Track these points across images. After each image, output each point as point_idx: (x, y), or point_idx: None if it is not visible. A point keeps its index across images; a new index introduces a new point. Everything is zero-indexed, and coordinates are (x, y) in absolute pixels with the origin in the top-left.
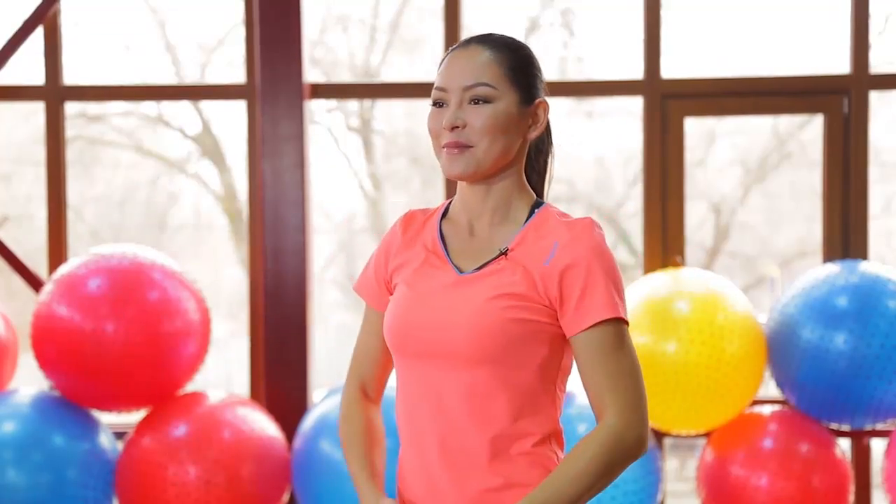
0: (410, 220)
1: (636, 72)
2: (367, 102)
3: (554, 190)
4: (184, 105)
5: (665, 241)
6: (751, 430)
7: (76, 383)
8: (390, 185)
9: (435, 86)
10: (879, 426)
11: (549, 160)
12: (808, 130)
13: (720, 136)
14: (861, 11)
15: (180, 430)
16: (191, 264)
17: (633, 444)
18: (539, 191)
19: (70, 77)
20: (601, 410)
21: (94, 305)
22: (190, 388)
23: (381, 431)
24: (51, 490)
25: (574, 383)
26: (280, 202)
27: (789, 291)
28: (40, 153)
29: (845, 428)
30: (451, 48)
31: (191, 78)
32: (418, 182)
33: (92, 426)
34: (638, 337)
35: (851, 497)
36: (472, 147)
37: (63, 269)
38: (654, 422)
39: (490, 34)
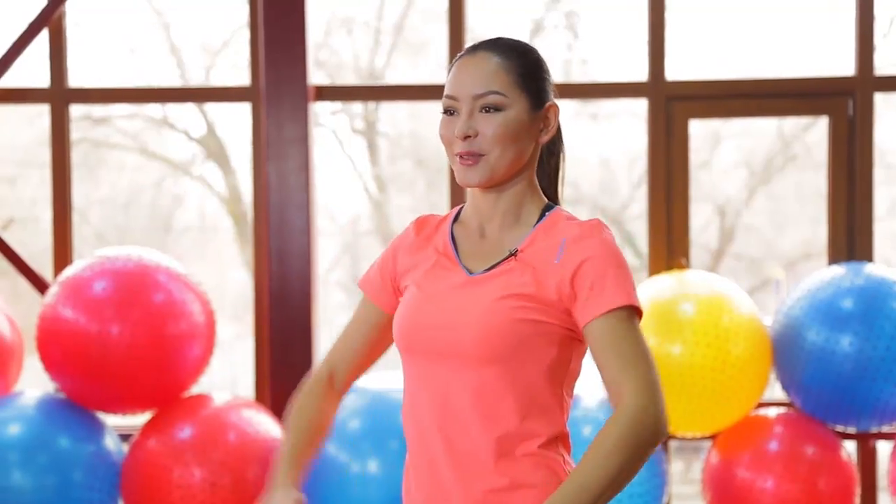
0: (424, 224)
1: (641, 74)
2: (371, 105)
3: None
4: (188, 107)
5: (670, 244)
6: (756, 432)
7: (81, 385)
8: (395, 187)
9: (445, 94)
10: (885, 428)
11: (561, 162)
12: (813, 132)
13: (725, 138)
14: (866, 13)
15: (186, 432)
16: (196, 266)
17: (654, 423)
18: (550, 193)
19: (75, 80)
20: (618, 395)
21: (99, 308)
22: (195, 390)
23: (328, 425)
24: (56, 492)
25: (579, 385)
26: (285, 204)
27: (794, 293)
28: (45, 155)
29: (851, 430)
30: (459, 54)
31: (195, 80)
32: (423, 184)
33: (97, 428)
34: None
35: (857, 499)
36: (484, 155)
37: (68, 272)
38: None
39: (498, 39)
